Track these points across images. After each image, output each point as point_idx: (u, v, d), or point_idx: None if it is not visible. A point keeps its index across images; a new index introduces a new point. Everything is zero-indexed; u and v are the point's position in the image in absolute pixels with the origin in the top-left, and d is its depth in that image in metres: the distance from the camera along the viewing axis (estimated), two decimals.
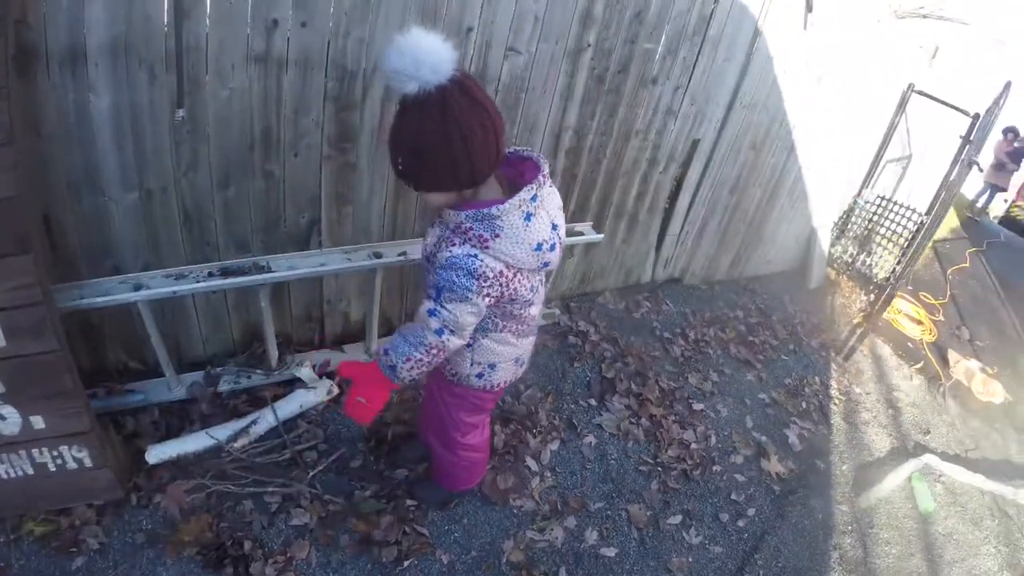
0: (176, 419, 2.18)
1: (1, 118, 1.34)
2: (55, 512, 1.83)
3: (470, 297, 1.38)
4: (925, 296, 4.41)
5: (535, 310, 1.63)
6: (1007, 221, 6.90)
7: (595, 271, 3.29)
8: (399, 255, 2.30)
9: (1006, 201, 7.39)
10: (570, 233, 2.69)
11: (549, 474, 2.36)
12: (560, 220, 1.49)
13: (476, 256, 1.35)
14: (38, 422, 1.65)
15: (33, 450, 1.70)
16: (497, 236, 1.35)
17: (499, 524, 2.15)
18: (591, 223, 2.83)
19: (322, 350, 2.59)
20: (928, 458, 3.10)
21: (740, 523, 2.47)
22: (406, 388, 2.50)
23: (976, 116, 3.51)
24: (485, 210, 1.34)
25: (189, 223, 2.06)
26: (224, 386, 2.32)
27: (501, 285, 1.40)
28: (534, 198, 1.37)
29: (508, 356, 1.68)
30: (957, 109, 3.64)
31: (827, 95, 3.44)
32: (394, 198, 2.38)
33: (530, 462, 2.38)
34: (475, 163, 1.30)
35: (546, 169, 1.44)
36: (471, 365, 1.67)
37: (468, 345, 1.61)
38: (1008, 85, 3.21)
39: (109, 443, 1.86)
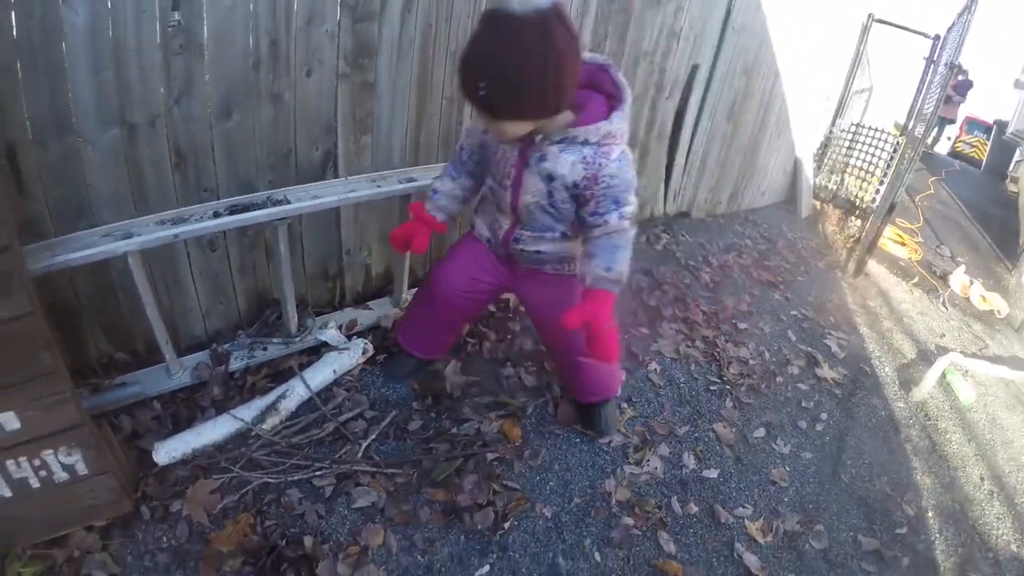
0: (184, 409, 1.80)
1: None
2: (45, 544, 1.40)
3: (635, 186, 1.45)
4: (902, 221, 4.61)
5: None
6: (953, 154, 7.42)
7: None
8: (434, 178, 2.07)
9: (949, 139, 7.99)
10: None
11: (626, 404, 2.18)
12: None
13: (625, 151, 1.41)
14: (9, 421, 1.21)
15: (7, 462, 1.26)
16: (624, 134, 1.41)
17: (593, 464, 1.94)
18: None
19: (344, 310, 2.29)
20: (954, 356, 3.18)
21: (818, 427, 2.43)
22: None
23: (936, 37, 3.70)
24: (623, 108, 1.39)
25: (182, 164, 1.68)
26: (236, 363, 1.93)
27: None
28: None
29: None
30: (918, 32, 3.82)
31: (802, 22, 3.52)
32: (416, 124, 2.13)
33: None
34: (565, 94, 1.27)
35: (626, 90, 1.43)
36: None
37: None
38: None
39: (107, 442, 1.45)
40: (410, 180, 2.03)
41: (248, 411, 1.79)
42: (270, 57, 1.70)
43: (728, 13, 3.04)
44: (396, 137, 2.11)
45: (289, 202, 1.78)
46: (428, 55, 2.03)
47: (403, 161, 2.16)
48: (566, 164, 1.40)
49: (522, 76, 1.18)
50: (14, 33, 1.30)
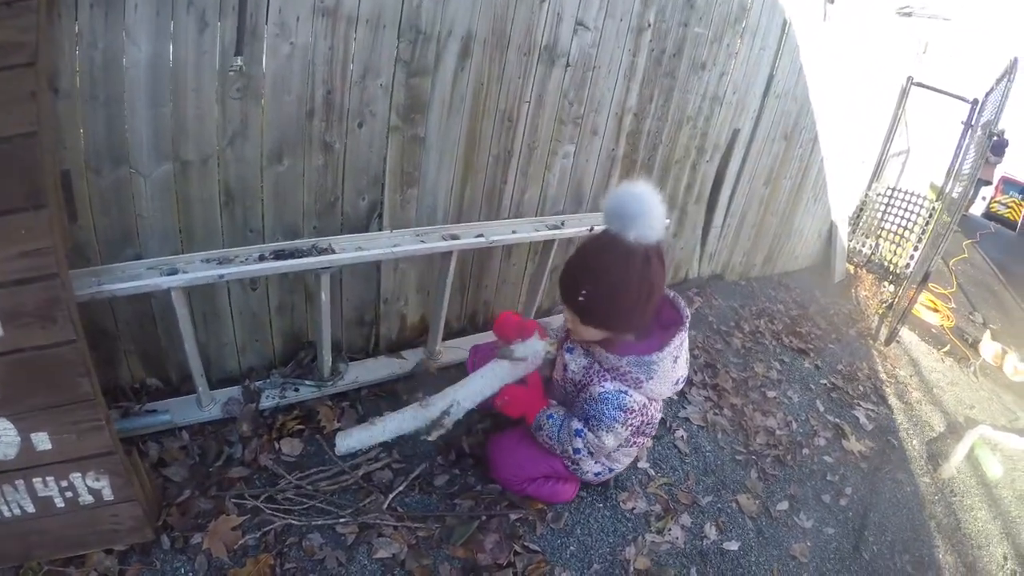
0: (212, 443, 1.80)
1: (26, 34, 1.05)
2: (62, 562, 1.41)
3: (616, 427, 1.56)
4: (934, 286, 4.56)
5: (658, 418, 1.74)
6: (988, 216, 7.33)
7: None
8: (476, 236, 2.12)
9: (984, 199, 7.88)
10: None
11: (652, 471, 2.19)
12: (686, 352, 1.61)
13: (627, 393, 1.53)
14: (42, 441, 1.25)
15: (35, 480, 1.29)
16: (651, 378, 1.51)
17: (614, 530, 1.94)
18: None
19: (378, 358, 2.32)
20: (983, 429, 3.13)
21: (842, 502, 2.40)
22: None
23: (975, 102, 3.70)
24: (646, 357, 1.48)
25: (231, 204, 1.74)
26: (267, 401, 1.96)
27: (643, 415, 1.58)
28: (681, 343, 1.51)
29: (629, 461, 1.83)
30: (957, 97, 3.82)
31: (841, 87, 3.55)
32: (462, 180, 2.19)
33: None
34: (646, 317, 1.46)
35: (686, 313, 1.56)
36: (595, 464, 1.78)
37: None
38: (1015, 61, 3.37)
39: (135, 469, 1.45)
40: (453, 237, 2.07)
41: (415, 421, 1.66)
42: (324, 107, 1.76)
43: (770, 79, 3.09)
44: (441, 192, 2.17)
45: (334, 251, 1.81)
46: (478, 113, 2.09)
47: (446, 216, 2.22)
48: (576, 363, 1.66)
49: (622, 293, 1.38)
50: (76, 62, 1.36)
